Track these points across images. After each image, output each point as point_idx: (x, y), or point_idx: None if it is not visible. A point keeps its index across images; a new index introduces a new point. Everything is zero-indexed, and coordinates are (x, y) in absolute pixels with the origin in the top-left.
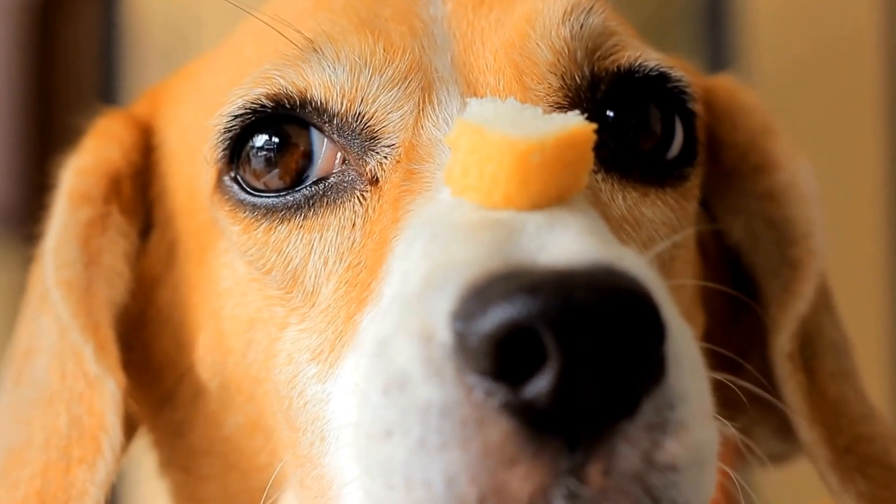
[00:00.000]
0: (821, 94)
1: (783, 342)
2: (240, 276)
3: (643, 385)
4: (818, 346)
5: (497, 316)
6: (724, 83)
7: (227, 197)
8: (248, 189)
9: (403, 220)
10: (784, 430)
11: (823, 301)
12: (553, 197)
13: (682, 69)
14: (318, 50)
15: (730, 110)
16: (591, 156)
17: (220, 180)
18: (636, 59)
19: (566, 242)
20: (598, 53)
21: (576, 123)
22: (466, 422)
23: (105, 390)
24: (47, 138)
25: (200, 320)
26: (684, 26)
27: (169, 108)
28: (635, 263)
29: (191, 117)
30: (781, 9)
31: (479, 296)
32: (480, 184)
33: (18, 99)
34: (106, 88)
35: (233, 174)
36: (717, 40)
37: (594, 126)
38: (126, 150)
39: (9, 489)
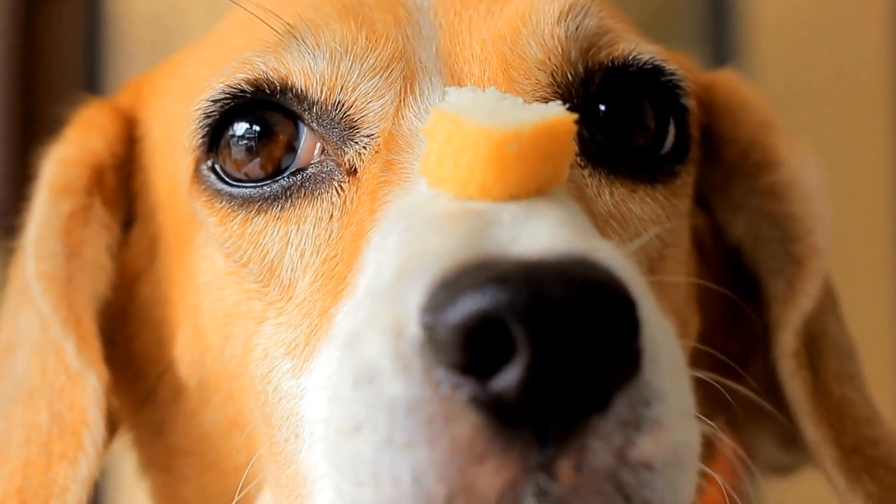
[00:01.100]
0: (825, 90)
1: (787, 340)
2: (218, 269)
3: (616, 379)
4: (822, 347)
5: (465, 306)
6: (725, 78)
7: (203, 187)
8: (225, 178)
9: (381, 212)
10: (787, 440)
11: (828, 302)
12: (531, 188)
13: (680, 64)
14: (299, 37)
15: (731, 106)
16: (571, 147)
17: (197, 169)
18: (630, 52)
19: (540, 233)
20: (593, 50)
21: (555, 113)
22: (434, 418)
23: (87, 385)
24: (31, 133)
25: (180, 316)
26: (688, 22)
27: (152, 100)
28: (611, 255)
29: (173, 109)
30: (786, 4)
31: (449, 287)
32: (456, 174)
33: (2, 93)
34: (90, 83)
35: (210, 163)
36: (720, 36)
37: (574, 116)
38: (110, 141)
39: None
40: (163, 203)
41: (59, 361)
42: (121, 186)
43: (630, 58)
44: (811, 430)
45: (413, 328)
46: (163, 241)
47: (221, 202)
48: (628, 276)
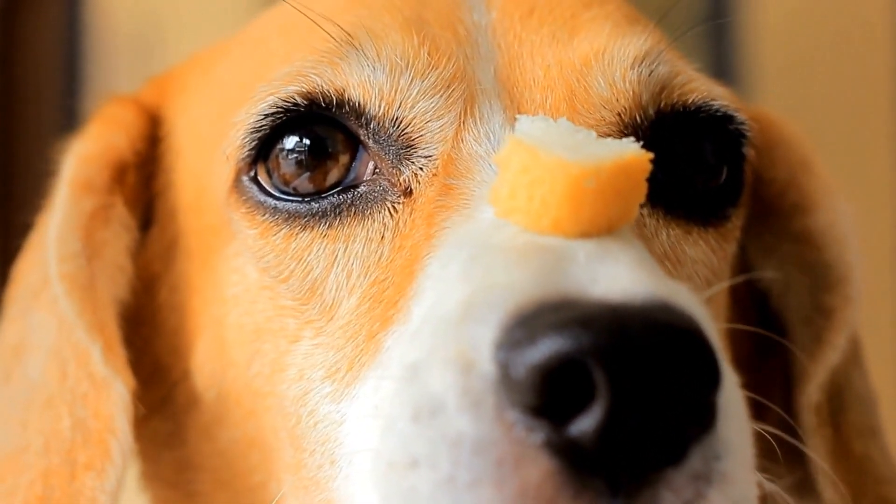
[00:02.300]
0: (828, 95)
1: (811, 393)
2: (250, 282)
3: (693, 432)
4: (846, 400)
5: (547, 347)
6: (766, 115)
7: (245, 198)
8: (269, 191)
9: (438, 238)
10: (802, 487)
11: (853, 352)
12: (603, 226)
13: (735, 102)
14: (359, 47)
15: (770, 144)
16: (644, 186)
17: (238, 179)
18: (702, 98)
19: (619, 274)
20: (665, 93)
21: (632, 151)
22: (503, 460)
23: (113, 392)
24: (10, 137)
25: (200, 326)
26: (687, 23)
27: (179, 98)
28: (689, 301)
29: (203, 110)
30: (787, 7)
31: (528, 325)
32: (529, 207)
33: None
34: (70, 86)
35: (253, 174)
36: (720, 38)
37: (651, 155)
38: (133, 138)
39: (4, 495)
40: (186, 206)
41: (82, 367)
42: (141, 186)
43: (702, 103)
44: (830, 489)
45: (485, 364)
46: (183, 246)
47: (264, 215)
48: (707, 325)
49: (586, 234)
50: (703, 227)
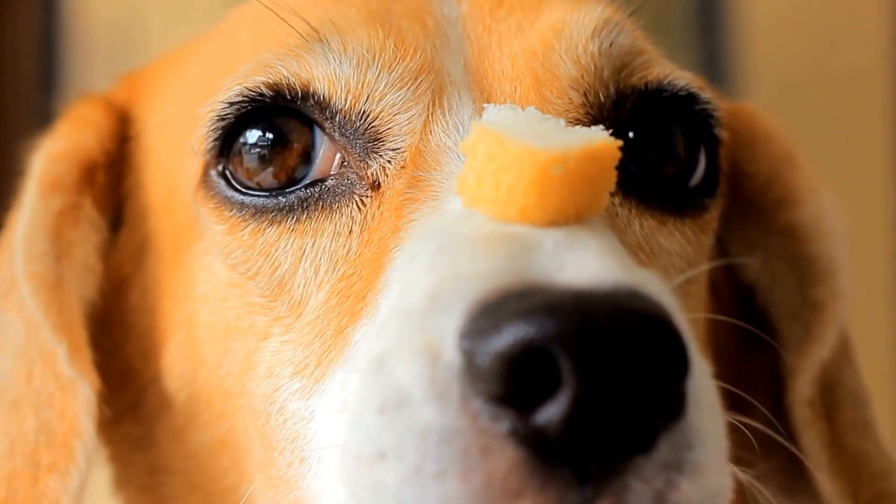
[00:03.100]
0: (820, 90)
1: (802, 388)
2: (219, 280)
3: (662, 420)
4: (839, 395)
5: (510, 335)
6: (746, 109)
7: (212, 193)
8: (236, 186)
9: (405, 230)
10: (792, 485)
11: (843, 347)
12: (571, 214)
13: (707, 90)
14: (324, 40)
15: (751, 138)
16: (613, 174)
17: (206, 174)
18: (665, 77)
19: (586, 262)
20: (626, 71)
21: (600, 138)
22: (469, 450)
23: (79, 394)
24: None
25: (171, 327)
26: (679, 20)
27: (149, 97)
28: (659, 288)
29: (173, 107)
30: (780, 8)
31: (492, 313)
32: (496, 195)
33: None
34: (47, 85)
35: (220, 168)
36: (712, 35)
37: (619, 143)
38: (102, 137)
39: None
40: (156, 206)
41: (48, 368)
42: (111, 186)
43: (665, 83)
44: (827, 483)
45: (450, 354)
46: (153, 247)
47: (231, 210)
48: (676, 313)
49: (554, 223)
50: (679, 218)
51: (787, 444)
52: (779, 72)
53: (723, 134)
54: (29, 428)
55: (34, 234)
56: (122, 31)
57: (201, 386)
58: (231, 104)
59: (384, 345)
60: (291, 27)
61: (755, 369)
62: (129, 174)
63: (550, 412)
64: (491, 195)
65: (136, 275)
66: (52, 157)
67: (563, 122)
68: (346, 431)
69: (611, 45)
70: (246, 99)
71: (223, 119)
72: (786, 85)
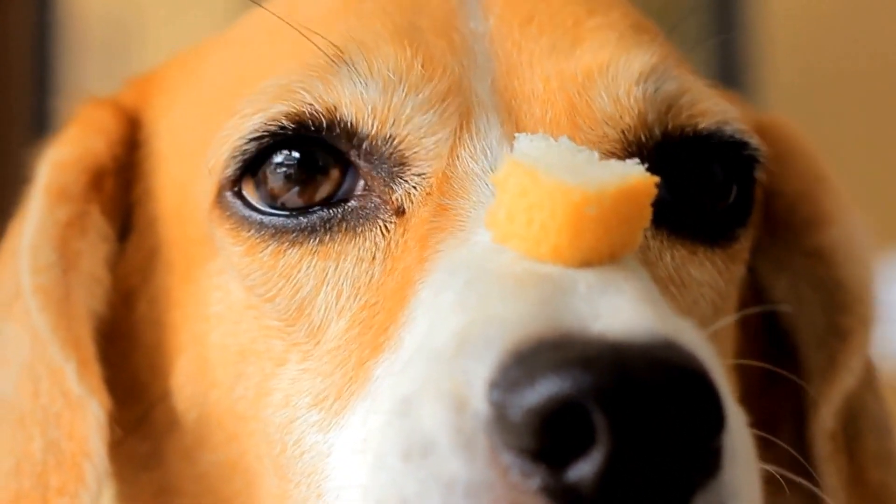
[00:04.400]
0: (843, 95)
1: (826, 419)
2: (234, 300)
3: (698, 477)
4: (861, 426)
5: (545, 389)
6: (776, 122)
7: (228, 213)
8: (254, 205)
9: (431, 261)
10: None
11: (868, 375)
12: (605, 254)
13: (738, 107)
14: (349, 62)
15: (783, 155)
16: (649, 211)
17: (220, 195)
18: (715, 123)
19: (621, 309)
20: (672, 112)
21: (636, 174)
22: None
23: (88, 412)
24: None
25: (181, 344)
26: (696, 21)
27: (159, 101)
28: (694, 340)
29: (185, 114)
30: (799, 4)
31: (525, 364)
32: (527, 232)
33: None
34: (41, 83)
35: (237, 189)
36: (728, 29)
37: (656, 179)
38: (111, 142)
39: None
40: (167, 216)
41: (56, 385)
42: (119, 193)
43: (715, 129)
44: None
45: (478, 403)
46: (163, 258)
47: (249, 231)
48: (712, 365)
49: (587, 263)
50: (710, 248)
51: (806, 483)
52: (798, 68)
53: (762, 175)
54: (36, 447)
55: (41, 245)
56: (119, 29)
57: (212, 407)
58: (251, 140)
59: (409, 386)
60: (315, 45)
61: (779, 394)
62: (138, 181)
63: (584, 469)
64: (522, 232)
65: (145, 286)
66: (59, 164)
67: (597, 154)
68: (368, 474)
69: (656, 90)
70: (266, 134)
71: (244, 153)
72: (804, 82)
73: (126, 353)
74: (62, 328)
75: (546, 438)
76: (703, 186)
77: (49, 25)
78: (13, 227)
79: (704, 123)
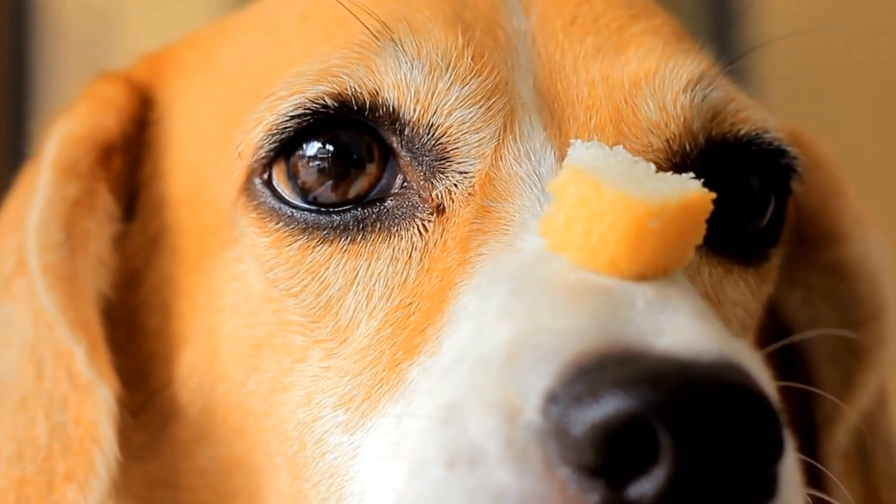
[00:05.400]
0: (841, 93)
1: (840, 439)
2: (252, 292)
3: (756, 500)
4: (873, 446)
5: (611, 406)
6: (798, 134)
7: (256, 202)
8: (285, 197)
9: (473, 264)
10: None
11: (879, 395)
12: (660, 268)
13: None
14: (397, 40)
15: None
16: (703, 228)
17: (249, 181)
18: (755, 129)
19: (683, 327)
20: (717, 119)
21: (695, 190)
22: None
23: (98, 397)
24: None
25: (188, 334)
26: (693, 18)
27: (174, 81)
28: (753, 362)
29: (203, 96)
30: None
31: (589, 379)
32: (585, 242)
33: None
34: (18, 76)
35: (266, 176)
36: (727, 25)
37: (713, 195)
38: (122, 119)
39: None
40: (176, 200)
41: (61, 368)
42: (127, 172)
43: (755, 135)
44: None
45: (532, 414)
46: (169, 242)
47: (278, 223)
48: (771, 387)
49: (643, 276)
50: (744, 267)
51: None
52: (796, 66)
53: (798, 186)
54: (40, 431)
55: (48, 223)
56: (98, 18)
57: (219, 401)
58: (291, 117)
59: (453, 392)
60: (361, 22)
61: (790, 414)
62: (147, 161)
63: (645, 487)
64: (580, 241)
65: (147, 270)
66: (68, 139)
67: (652, 166)
68: (405, 480)
69: (703, 99)
70: (308, 112)
71: (281, 132)
72: (803, 80)
73: (127, 338)
74: (71, 309)
75: (607, 455)
76: (741, 198)
77: (26, 15)
78: (10, 202)
79: (745, 129)
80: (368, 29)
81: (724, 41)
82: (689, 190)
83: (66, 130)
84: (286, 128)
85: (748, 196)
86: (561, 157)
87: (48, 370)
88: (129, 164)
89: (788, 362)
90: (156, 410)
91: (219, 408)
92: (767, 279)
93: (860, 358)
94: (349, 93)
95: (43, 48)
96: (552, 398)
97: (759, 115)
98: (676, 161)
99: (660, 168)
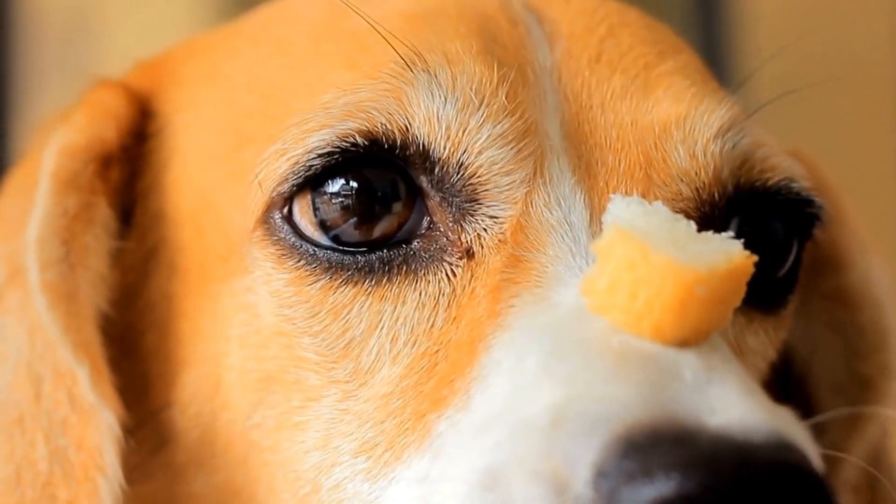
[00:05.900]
0: (826, 94)
1: (850, 472)
2: (262, 325)
3: None
4: (878, 477)
5: (666, 487)
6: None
7: (275, 238)
8: (306, 234)
9: (504, 316)
10: None
11: (885, 426)
12: (702, 333)
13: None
14: (431, 71)
15: None
16: (744, 290)
17: (268, 214)
18: (784, 178)
19: (732, 402)
20: (746, 166)
21: (738, 254)
22: None
23: (101, 422)
24: None
25: (189, 357)
26: (679, 18)
27: (174, 91)
28: (801, 434)
29: (209, 112)
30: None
31: (641, 456)
32: (630, 306)
33: None
34: None
35: (286, 211)
36: (712, 23)
37: (755, 258)
38: (122, 131)
39: None
40: (177, 217)
41: (61, 389)
42: (124, 185)
43: (783, 185)
44: None
45: (582, 488)
46: (166, 259)
47: (299, 261)
48: (819, 461)
49: (685, 343)
50: (764, 316)
51: None
52: (781, 67)
53: (819, 233)
54: (39, 455)
55: (48, 238)
56: (78, 20)
57: (221, 430)
58: (319, 155)
59: (493, 456)
60: (395, 51)
61: None
62: (145, 173)
63: None
64: (624, 305)
65: (143, 285)
66: (67, 151)
67: (693, 225)
68: None
69: (734, 147)
70: (337, 150)
71: (308, 169)
72: (788, 80)
73: (121, 354)
74: (73, 330)
75: None
76: (765, 246)
77: (6, 14)
78: None
79: (774, 179)
80: (402, 57)
81: (708, 39)
82: (734, 254)
83: (66, 140)
84: (313, 164)
85: (772, 243)
86: (590, 203)
87: (47, 390)
88: (126, 176)
89: (785, 384)
90: (150, 433)
91: (220, 437)
92: (784, 326)
93: (864, 388)
94: (380, 130)
95: (22, 48)
96: (602, 473)
97: (786, 162)
98: (705, 210)
99: (688, 216)
